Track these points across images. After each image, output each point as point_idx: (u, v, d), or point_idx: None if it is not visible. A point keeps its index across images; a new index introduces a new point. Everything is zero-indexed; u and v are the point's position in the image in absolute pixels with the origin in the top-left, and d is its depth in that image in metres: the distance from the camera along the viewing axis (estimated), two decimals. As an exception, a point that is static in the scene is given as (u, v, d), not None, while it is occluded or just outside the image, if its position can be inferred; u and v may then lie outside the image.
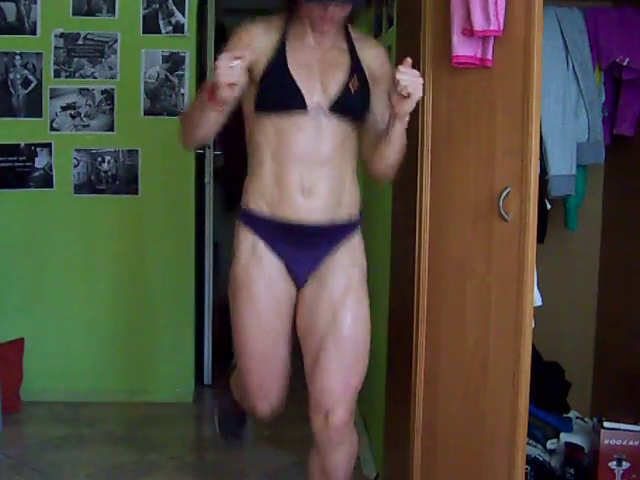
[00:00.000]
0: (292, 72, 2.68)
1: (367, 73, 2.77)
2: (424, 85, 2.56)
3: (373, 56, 2.82)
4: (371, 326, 2.83)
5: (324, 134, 2.71)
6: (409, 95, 2.52)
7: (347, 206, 2.81)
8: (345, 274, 2.80)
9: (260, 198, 2.78)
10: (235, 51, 2.54)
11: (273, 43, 2.73)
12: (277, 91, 2.70)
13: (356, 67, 2.75)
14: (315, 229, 2.76)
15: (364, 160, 2.87)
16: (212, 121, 2.71)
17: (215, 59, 2.52)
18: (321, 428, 2.78)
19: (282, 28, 2.76)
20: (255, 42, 2.73)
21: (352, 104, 2.74)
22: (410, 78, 2.50)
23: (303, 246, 2.78)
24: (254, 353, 2.83)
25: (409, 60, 2.51)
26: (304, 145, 2.70)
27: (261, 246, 2.78)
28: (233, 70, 2.48)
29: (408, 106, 2.57)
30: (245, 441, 3.57)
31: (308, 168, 2.70)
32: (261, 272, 2.78)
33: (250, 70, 2.68)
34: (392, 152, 2.72)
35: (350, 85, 2.71)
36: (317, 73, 2.72)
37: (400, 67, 2.51)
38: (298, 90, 2.67)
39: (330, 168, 2.73)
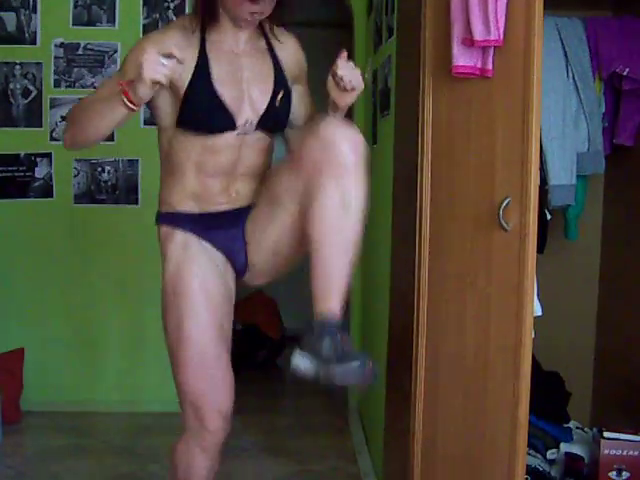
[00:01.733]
0: (218, 89, 2.51)
1: (288, 75, 2.68)
2: (425, 94, 2.50)
3: (292, 53, 2.71)
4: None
5: (249, 147, 2.63)
6: (353, 89, 2.50)
7: None
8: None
9: (187, 200, 2.64)
10: (168, 47, 2.31)
11: (192, 53, 2.50)
12: (204, 112, 2.53)
13: (281, 74, 2.65)
14: (238, 210, 2.68)
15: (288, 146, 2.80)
16: (117, 120, 2.43)
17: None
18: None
19: (198, 35, 2.54)
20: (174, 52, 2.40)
21: (278, 117, 2.66)
22: (351, 72, 2.48)
23: (225, 225, 2.66)
24: (197, 357, 2.64)
25: (345, 53, 2.49)
26: (229, 158, 2.61)
27: (193, 240, 2.64)
28: (163, 68, 2.27)
29: (351, 99, 2.55)
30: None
31: (232, 178, 2.64)
32: (195, 271, 2.62)
33: (171, 81, 2.43)
34: None
35: (278, 97, 2.61)
36: (245, 86, 2.57)
37: (339, 62, 2.47)
38: (227, 111, 2.53)
39: (253, 174, 2.68)
